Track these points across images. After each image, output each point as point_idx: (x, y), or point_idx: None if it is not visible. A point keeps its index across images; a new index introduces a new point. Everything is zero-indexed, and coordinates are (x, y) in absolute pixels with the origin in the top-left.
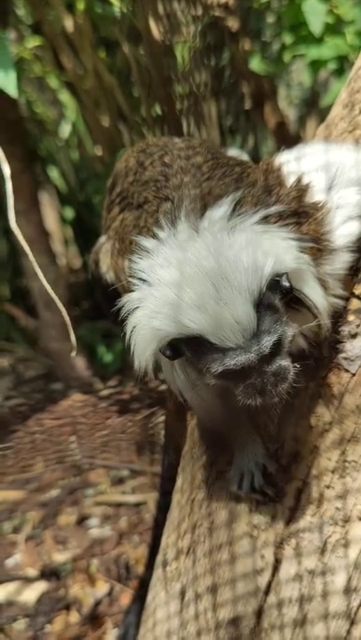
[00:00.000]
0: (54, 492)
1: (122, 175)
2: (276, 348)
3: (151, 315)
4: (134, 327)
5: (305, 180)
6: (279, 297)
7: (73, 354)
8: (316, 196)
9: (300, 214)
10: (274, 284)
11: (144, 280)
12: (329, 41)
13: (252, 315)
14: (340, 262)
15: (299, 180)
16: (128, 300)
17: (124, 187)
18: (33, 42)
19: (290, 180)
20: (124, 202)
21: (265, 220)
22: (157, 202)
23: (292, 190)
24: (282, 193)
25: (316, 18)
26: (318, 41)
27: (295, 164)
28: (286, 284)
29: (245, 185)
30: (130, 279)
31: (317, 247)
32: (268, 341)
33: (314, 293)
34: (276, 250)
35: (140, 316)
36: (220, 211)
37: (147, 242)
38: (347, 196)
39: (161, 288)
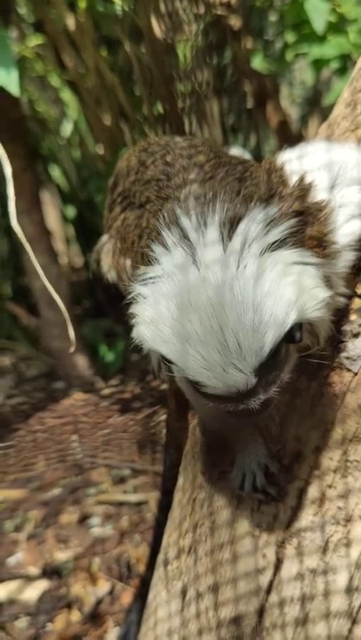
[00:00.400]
0: (56, 491)
1: (123, 174)
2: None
3: (154, 336)
4: (140, 339)
5: (308, 179)
6: (286, 345)
7: (72, 349)
8: (319, 195)
9: (304, 215)
10: (287, 334)
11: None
12: (332, 39)
13: (253, 379)
14: (343, 261)
15: (301, 179)
16: (136, 312)
17: (125, 186)
18: (35, 40)
19: (292, 179)
20: (126, 201)
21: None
22: (159, 202)
23: (295, 190)
24: (285, 193)
25: (318, 16)
26: (321, 39)
27: (298, 162)
28: (299, 335)
29: (248, 185)
30: (139, 284)
31: (322, 248)
32: (261, 399)
33: (323, 330)
34: (301, 296)
35: (144, 330)
36: (246, 232)
37: (157, 252)
38: (349, 195)
39: (168, 313)
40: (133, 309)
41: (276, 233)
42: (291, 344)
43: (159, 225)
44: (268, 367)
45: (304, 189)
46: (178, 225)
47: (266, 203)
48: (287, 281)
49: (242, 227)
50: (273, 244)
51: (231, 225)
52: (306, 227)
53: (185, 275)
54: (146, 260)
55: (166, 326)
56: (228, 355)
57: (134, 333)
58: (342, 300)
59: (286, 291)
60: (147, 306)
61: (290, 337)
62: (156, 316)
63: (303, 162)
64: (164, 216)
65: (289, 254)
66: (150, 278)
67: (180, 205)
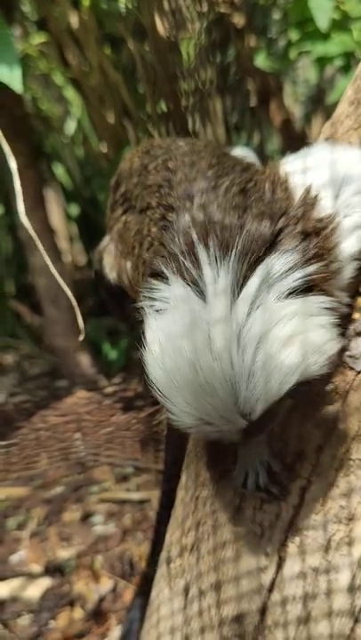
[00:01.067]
0: (59, 489)
1: (126, 176)
2: None
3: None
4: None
5: (312, 193)
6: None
7: (81, 337)
8: (324, 207)
9: (310, 233)
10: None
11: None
12: (336, 37)
13: (240, 434)
14: (347, 272)
15: (307, 193)
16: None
17: (127, 188)
18: (38, 38)
19: (298, 192)
20: (127, 203)
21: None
22: (161, 210)
23: (300, 206)
24: (291, 213)
25: (322, 14)
26: (325, 37)
27: (302, 173)
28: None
29: (254, 200)
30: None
31: (326, 264)
32: (253, 436)
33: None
34: (307, 358)
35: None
36: (255, 282)
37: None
38: (354, 205)
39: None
40: (144, 324)
41: (289, 282)
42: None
43: (169, 248)
44: (260, 419)
45: (309, 205)
46: (193, 267)
47: (274, 240)
48: (293, 341)
49: (254, 282)
50: (284, 292)
51: (244, 278)
52: (310, 244)
53: (192, 326)
54: (147, 270)
55: (166, 369)
56: (219, 413)
57: (142, 356)
58: (346, 309)
59: (290, 357)
60: (153, 339)
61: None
62: (158, 354)
63: (307, 172)
64: (174, 240)
65: (301, 304)
66: (158, 304)
67: (187, 229)
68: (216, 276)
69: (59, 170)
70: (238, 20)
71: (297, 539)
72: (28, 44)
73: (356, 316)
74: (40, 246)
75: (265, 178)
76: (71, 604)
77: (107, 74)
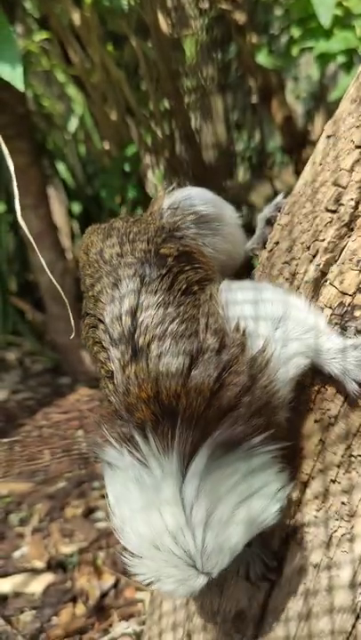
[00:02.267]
0: (61, 485)
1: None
2: None
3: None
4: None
5: (243, 326)
6: None
7: (71, 336)
8: (256, 344)
9: (245, 382)
10: None
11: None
12: (338, 34)
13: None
14: (285, 392)
15: (237, 328)
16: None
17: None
18: (40, 35)
19: (230, 324)
20: (83, 287)
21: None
22: (96, 325)
23: (234, 343)
24: (225, 358)
25: (325, 10)
26: (327, 34)
27: (237, 304)
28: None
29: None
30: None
31: (267, 407)
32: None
33: None
34: (253, 523)
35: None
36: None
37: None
38: (290, 337)
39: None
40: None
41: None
42: None
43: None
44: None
45: (241, 341)
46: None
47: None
48: (239, 514)
49: (200, 463)
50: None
51: (190, 458)
52: (249, 381)
53: (146, 503)
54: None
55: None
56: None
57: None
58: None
59: (236, 532)
60: (113, 504)
61: None
62: (120, 524)
63: (239, 304)
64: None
65: (243, 470)
66: (112, 459)
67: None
68: (162, 458)
69: (61, 167)
70: (239, 17)
71: (298, 535)
72: (30, 41)
73: (356, 313)
74: (36, 248)
75: (203, 304)
76: (73, 599)
77: (109, 71)
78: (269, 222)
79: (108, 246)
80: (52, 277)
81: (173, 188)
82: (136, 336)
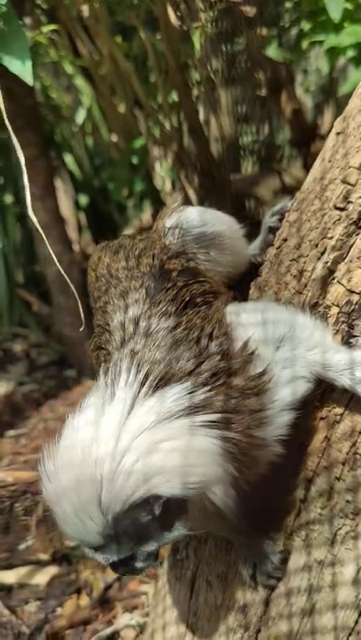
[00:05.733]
0: None
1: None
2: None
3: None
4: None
5: (251, 347)
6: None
7: (81, 329)
8: (261, 362)
9: (242, 392)
10: (145, 504)
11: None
12: (348, 28)
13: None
14: (279, 424)
15: (245, 346)
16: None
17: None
18: (48, 27)
19: (237, 343)
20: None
21: (195, 408)
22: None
23: (237, 359)
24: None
25: (335, 4)
26: (337, 28)
27: (243, 326)
28: (157, 510)
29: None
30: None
31: (252, 420)
32: (115, 555)
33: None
34: (170, 469)
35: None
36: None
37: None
38: (291, 358)
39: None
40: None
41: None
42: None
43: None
44: (122, 533)
45: (246, 361)
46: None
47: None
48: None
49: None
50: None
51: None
52: (239, 398)
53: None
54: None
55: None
56: (81, 516)
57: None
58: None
59: (139, 467)
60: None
61: (148, 507)
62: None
63: (247, 324)
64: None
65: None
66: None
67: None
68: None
69: (68, 159)
70: (249, 9)
71: (303, 532)
72: (39, 33)
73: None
74: (45, 239)
75: (208, 322)
76: (78, 591)
77: (117, 63)
78: (272, 230)
79: (114, 261)
80: (60, 269)
81: (175, 208)
82: (137, 342)
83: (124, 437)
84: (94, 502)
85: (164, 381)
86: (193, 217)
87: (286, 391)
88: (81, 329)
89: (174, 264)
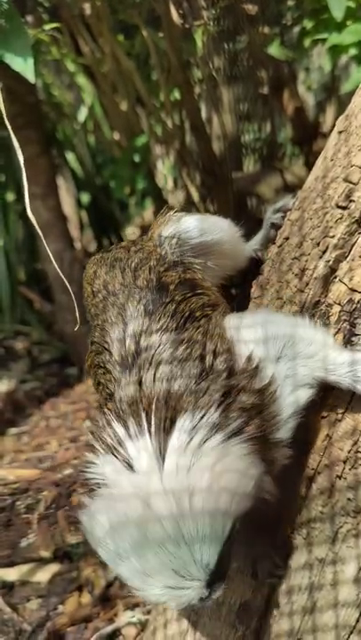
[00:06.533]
0: (67, 472)
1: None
2: None
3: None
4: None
5: (255, 361)
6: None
7: (76, 328)
8: (264, 373)
9: (247, 409)
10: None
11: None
12: (351, 26)
13: (205, 591)
14: (286, 430)
15: (249, 359)
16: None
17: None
18: (50, 25)
19: (240, 358)
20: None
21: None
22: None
23: (244, 374)
24: (232, 382)
25: (337, 2)
26: (339, 26)
27: (244, 339)
28: (235, 535)
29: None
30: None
31: (264, 437)
32: (212, 598)
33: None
34: (235, 497)
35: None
36: (182, 439)
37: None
38: (294, 366)
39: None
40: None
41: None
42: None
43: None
44: (216, 572)
45: (251, 374)
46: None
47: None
48: (220, 487)
49: (185, 425)
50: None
51: (167, 431)
52: (251, 410)
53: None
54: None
55: (115, 550)
56: (182, 573)
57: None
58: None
59: (220, 503)
60: (97, 519)
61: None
62: (106, 532)
63: (248, 335)
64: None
65: (226, 446)
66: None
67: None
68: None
69: (70, 157)
70: (251, 7)
71: (304, 530)
72: (41, 30)
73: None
74: (43, 239)
75: (210, 338)
76: (79, 589)
77: (119, 61)
78: (274, 226)
79: (111, 277)
80: (58, 269)
81: (171, 217)
82: (140, 360)
83: (176, 480)
84: (189, 560)
85: (179, 411)
86: (191, 227)
87: (291, 400)
88: (76, 328)
89: (171, 276)
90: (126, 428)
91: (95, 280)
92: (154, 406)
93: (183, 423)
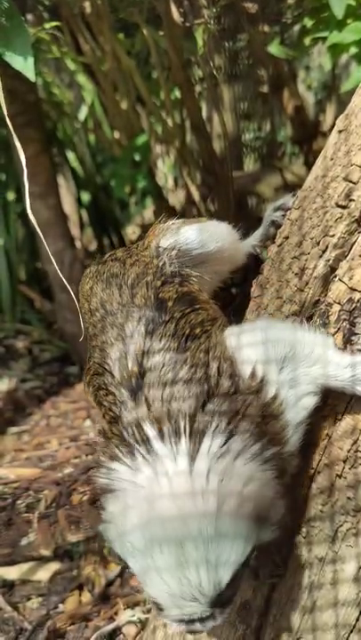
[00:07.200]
0: (68, 471)
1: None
2: None
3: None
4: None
5: (258, 376)
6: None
7: (81, 339)
8: (270, 390)
9: (258, 422)
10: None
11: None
12: (351, 24)
13: (209, 610)
14: (295, 440)
15: (253, 374)
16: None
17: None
18: (51, 24)
19: (244, 374)
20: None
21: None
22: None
23: (250, 390)
24: (240, 398)
25: (338, 0)
26: (340, 24)
27: (246, 350)
28: (252, 561)
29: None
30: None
31: (277, 440)
32: (214, 622)
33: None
34: (259, 522)
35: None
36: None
37: (120, 461)
38: (297, 377)
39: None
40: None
41: (236, 449)
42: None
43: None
44: (224, 593)
45: (257, 389)
46: (145, 441)
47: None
48: (245, 511)
49: (204, 448)
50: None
51: (196, 443)
52: (261, 424)
53: (151, 499)
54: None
55: (133, 545)
56: (188, 588)
57: (102, 528)
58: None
59: (242, 526)
60: (114, 518)
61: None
62: (122, 530)
63: (250, 348)
64: (127, 431)
65: (247, 469)
66: (114, 484)
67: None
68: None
69: (70, 156)
70: (251, 6)
71: (303, 529)
72: (41, 29)
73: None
74: (42, 238)
75: (212, 356)
76: (79, 587)
77: (120, 60)
78: (274, 223)
79: (108, 295)
80: (58, 271)
81: (169, 227)
82: (145, 382)
83: (204, 504)
84: (203, 572)
85: (195, 436)
86: (191, 238)
87: (296, 409)
88: (80, 339)
89: (169, 292)
90: (133, 456)
91: (92, 298)
92: (165, 430)
93: (197, 446)
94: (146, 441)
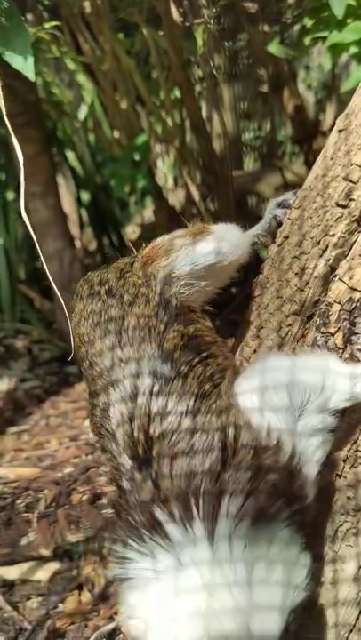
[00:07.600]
0: (68, 470)
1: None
2: None
3: None
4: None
5: (274, 434)
6: None
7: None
8: (286, 444)
9: (279, 485)
10: None
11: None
12: (351, 24)
13: None
14: (315, 487)
15: (268, 435)
16: None
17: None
18: (51, 24)
19: (259, 434)
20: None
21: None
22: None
23: (268, 452)
24: (262, 463)
25: (338, 0)
26: (340, 24)
27: (258, 411)
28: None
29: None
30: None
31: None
32: None
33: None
34: (287, 597)
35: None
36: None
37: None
38: (310, 430)
39: None
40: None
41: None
42: None
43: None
44: None
45: (274, 449)
46: (157, 528)
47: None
48: (274, 587)
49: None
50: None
51: (213, 523)
52: (279, 485)
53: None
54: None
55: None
56: None
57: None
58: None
59: (275, 599)
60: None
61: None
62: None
63: (263, 410)
64: (140, 519)
65: (271, 539)
66: (130, 573)
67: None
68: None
69: (70, 156)
70: (250, 5)
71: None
72: (41, 29)
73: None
74: (35, 239)
75: (226, 421)
76: (79, 587)
77: (120, 59)
78: (275, 218)
79: (108, 347)
80: (49, 276)
81: (177, 246)
82: (152, 454)
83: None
84: None
85: (208, 516)
86: (211, 254)
87: (317, 456)
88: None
89: (174, 340)
90: (145, 543)
91: (90, 347)
92: (176, 513)
93: (213, 526)
94: (158, 526)
